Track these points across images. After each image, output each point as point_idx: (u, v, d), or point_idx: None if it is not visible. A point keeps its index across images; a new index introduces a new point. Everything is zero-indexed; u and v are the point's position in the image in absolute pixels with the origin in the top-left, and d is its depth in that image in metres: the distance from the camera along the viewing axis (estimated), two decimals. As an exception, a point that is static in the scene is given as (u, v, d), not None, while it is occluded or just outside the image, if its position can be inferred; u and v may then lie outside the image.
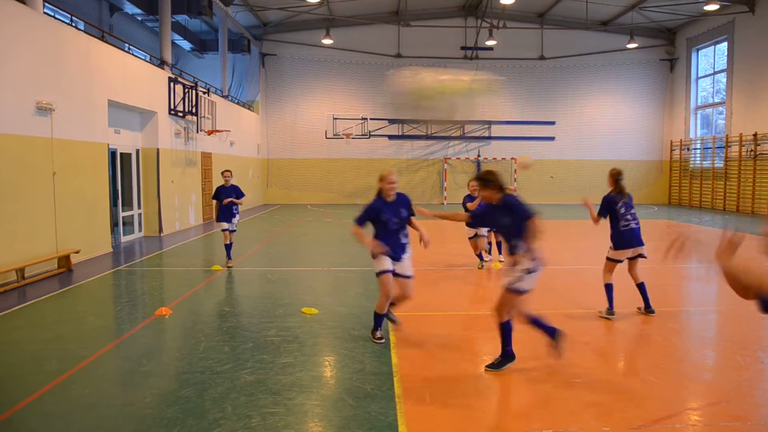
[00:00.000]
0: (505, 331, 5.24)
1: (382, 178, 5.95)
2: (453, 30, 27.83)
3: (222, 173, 10.73)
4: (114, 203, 13.79)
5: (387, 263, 5.89)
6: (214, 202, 10.84)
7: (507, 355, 5.29)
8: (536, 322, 5.22)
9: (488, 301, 8.61)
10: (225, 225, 10.63)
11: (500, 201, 5.16)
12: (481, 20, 26.42)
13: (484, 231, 10.45)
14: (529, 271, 4.99)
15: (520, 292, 5.03)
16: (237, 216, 10.77)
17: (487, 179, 5.21)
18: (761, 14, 22.47)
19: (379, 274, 5.89)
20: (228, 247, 10.69)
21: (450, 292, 8.67)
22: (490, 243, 11.00)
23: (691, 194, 27.22)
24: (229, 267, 10.57)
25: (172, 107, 16.32)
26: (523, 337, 6.41)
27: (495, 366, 5.26)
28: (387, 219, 5.87)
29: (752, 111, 22.89)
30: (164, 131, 16.04)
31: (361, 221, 5.92)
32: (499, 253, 10.76)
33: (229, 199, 10.52)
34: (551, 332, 5.18)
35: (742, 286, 2.16)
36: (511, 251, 5.13)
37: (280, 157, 28.82)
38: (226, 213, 10.60)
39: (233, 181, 10.73)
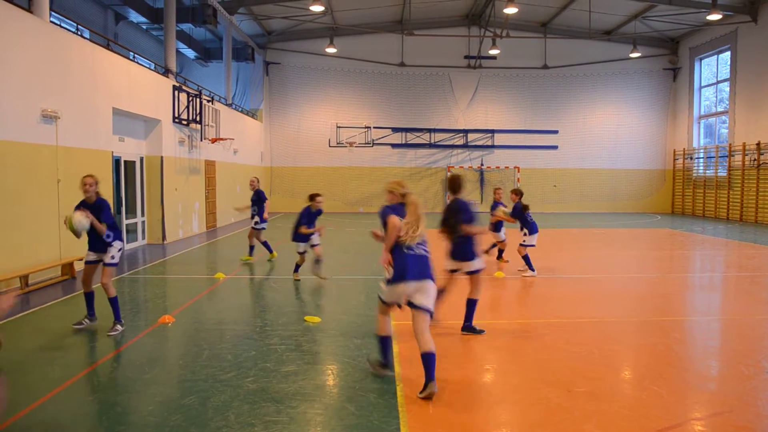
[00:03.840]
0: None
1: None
2: (456, 39, 27.94)
3: (250, 181, 12.97)
4: (118, 211, 13.85)
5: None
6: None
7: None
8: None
9: (491, 310, 8.61)
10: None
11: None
12: (485, 29, 26.53)
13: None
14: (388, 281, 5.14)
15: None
16: (256, 218, 12.72)
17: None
18: (764, 24, 22.53)
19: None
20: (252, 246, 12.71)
21: (451, 300, 8.64)
22: (493, 245, 11.03)
23: (695, 203, 27.18)
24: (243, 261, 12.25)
25: (176, 115, 16.40)
26: (522, 346, 6.40)
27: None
28: None
29: (755, 120, 22.89)
30: (168, 139, 16.11)
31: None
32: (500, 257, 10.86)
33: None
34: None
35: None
36: None
37: (283, 165, 28.89)
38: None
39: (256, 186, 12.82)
